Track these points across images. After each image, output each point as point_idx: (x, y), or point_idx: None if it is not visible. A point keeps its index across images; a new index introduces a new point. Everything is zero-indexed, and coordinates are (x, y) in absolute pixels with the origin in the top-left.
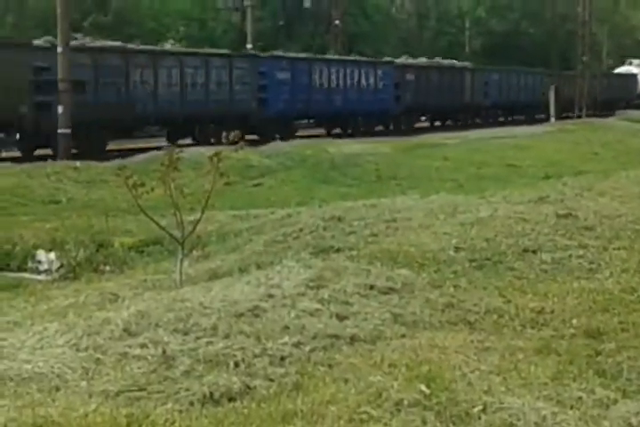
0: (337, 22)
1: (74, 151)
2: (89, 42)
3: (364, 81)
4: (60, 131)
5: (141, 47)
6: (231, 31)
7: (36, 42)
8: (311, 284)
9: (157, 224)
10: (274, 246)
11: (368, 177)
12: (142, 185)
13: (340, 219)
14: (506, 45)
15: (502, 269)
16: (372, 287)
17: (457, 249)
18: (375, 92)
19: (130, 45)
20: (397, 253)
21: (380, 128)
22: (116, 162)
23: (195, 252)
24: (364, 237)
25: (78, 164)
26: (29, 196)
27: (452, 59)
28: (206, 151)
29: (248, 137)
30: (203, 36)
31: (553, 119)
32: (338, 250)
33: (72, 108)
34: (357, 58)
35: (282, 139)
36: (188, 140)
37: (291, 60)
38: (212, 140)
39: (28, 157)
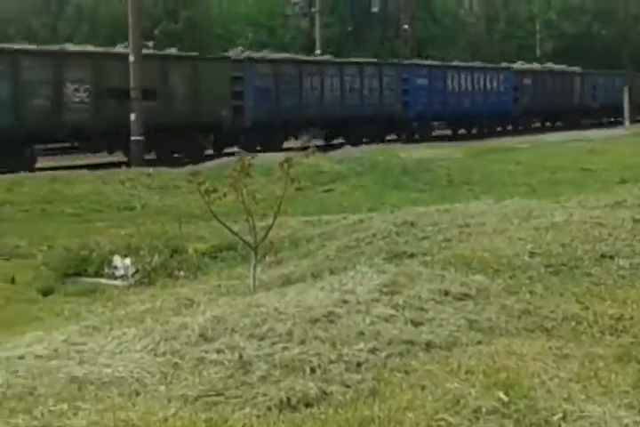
0: (405, 26)
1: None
2: (269, 54)
3: (488, 85)
4: (133, 138)
5: (310, 58)
6: (300, 37)
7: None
8: (385, 289)
9: (230, 230)
10: (346, 252)
11: (440, 182)
12: (215, 191)
13: (412, 224)
14: (577, 48)
15: (579, 275)
16: (446, 293)
17: (532, 254)
18: (498, 95)
19: (302, 57)
20: (471, 259)
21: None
22: (188, 168)
23: (267, 257)
24: (437, 242)
25: (151, 170)
26: (105, 202)
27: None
28: (277, 157)
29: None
30: (271, 43)
31: (627, 122)
32: (411, 255)
33: (258, 111)
34: (482, 64)
35: (421, 138)
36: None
37: (428, 68)
38: (364, 140)
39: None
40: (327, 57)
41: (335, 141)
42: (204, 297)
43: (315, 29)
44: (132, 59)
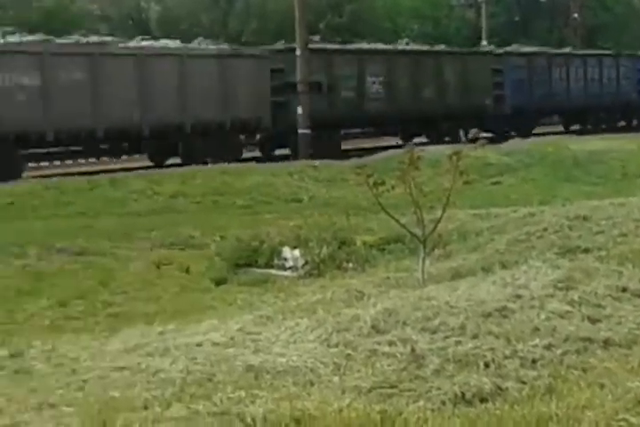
0: (575, 15)
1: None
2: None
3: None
4: (300, 131)
5: (558, 51)
6: (464, 28)
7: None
8: (560, 285)
9: (398, 222)
10: (517, 246)
11: (613, 175)
12: (383, 184)
13: (585, 218)
14: None
15: None
16: (624, 290)
17: None
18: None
19: (552, 50)
20: None
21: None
22: (354, 161)
23: (436, 250)
24: (612, 237)
25: (317, 163)
26: (274, 194)
27: None
28: (445, 150)
29: None
30: (436, 34)
31: None
32: (585, 250)
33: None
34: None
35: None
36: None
37: None
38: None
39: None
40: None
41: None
42: (374, 289)
43: (481, 20)
44: (298, 52)
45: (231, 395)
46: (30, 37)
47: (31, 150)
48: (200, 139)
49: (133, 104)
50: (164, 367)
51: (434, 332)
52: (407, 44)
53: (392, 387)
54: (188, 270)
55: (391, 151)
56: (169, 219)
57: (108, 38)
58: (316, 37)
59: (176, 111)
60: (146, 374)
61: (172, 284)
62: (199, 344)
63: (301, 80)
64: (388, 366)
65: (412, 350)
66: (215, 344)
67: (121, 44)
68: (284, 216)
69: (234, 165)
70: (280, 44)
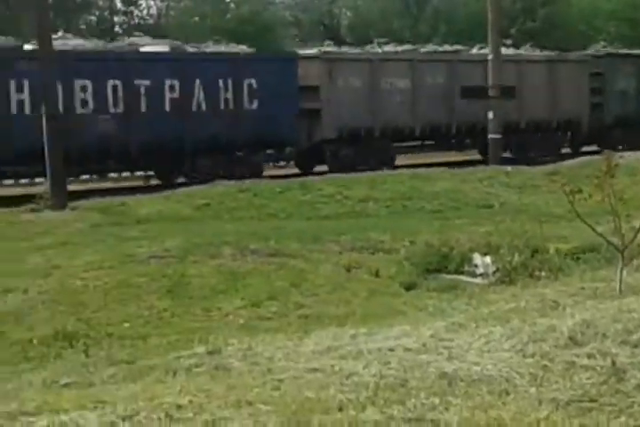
0: None
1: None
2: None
3: None
4: (490, 136)
5: None
6: None
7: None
8: None
9: (595, 231)
10: None
11: None
12: (580, 192)
13: None
14: None
15: None
16: None
17: None
18: None
19: None
20: None
21: None
22: (548, 167)
23: (635, 261)
24: None
25: (509, 168)
26: (463, 200)
27: None
28: None
29: None
30: (634, 36)
31: None
32: None
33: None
34: None
35: None
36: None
37: None
38: None
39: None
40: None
41: None
42: (569, 299)
43: None
44: (490, 57)
45: (425, 401)
46: (400, 47)
47: (401, 143)
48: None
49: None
50: (357, 371)
51: (635, 346)
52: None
53: (592, 401)
54: (377, 274)
55: (585, 158)
56: (358, 223)
57: (460, 47)
58: (508, 42)
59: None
60: (339, 377)
61: (361, 287)
62: (391, 349)
63: (493, 85)
64: (587, 379)
65: (613, 363)
66: (407, 350)
67: (471, 51)
68: (473, 222)
69: (423, 170)
70: (598, 50)
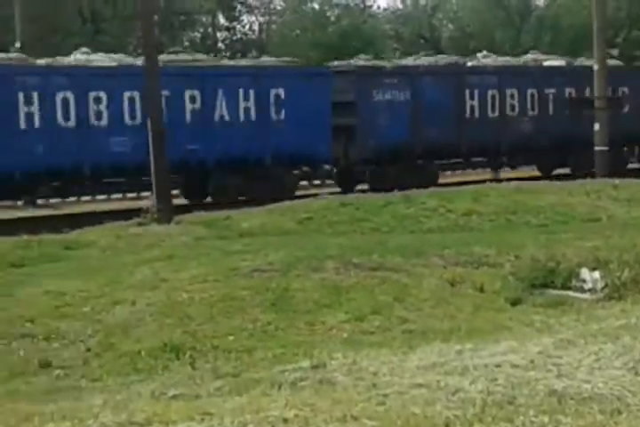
0: None
1: None
2: None
3: None
4: (597, 148)
5: None
6: None
7: None
8: None
9: None
10: None
11: None
12: None
13: None
14: None
15: None
16: None
17: None
18: None
19: None
20: None
21: None
22: None
23: None
24: None
25: (617, 182)
26: (570, 213)
27: None
28: None
29: None
30: None
31: None
32: None
33: None
34: None
35: None
36: None
37: None
38: None
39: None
40: None
41: None
42: None
43: None
44: (596, 67)
45: (534, 419)
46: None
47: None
48: None
49: None
50: (463, 387)
51: None
52: None
53: None
54: (482, 289)
55: None
56: (462, 237)
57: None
58: (614, 51)
59: None
60: (445, 393)
61: (466, 302)
62: (498, 365)
63: (599, 96)
64: None
65: None
66: (515, 366)
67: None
68: (580, 236)
69: (527, 183)
70: None
